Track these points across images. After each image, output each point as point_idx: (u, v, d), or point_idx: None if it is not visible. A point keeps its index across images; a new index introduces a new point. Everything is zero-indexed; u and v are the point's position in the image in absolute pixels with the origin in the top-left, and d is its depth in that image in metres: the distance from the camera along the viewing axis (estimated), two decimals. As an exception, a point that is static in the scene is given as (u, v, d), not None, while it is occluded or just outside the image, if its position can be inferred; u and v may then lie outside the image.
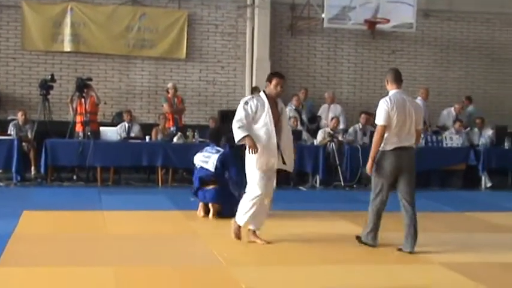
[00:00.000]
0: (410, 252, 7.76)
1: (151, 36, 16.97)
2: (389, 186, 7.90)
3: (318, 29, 17.47)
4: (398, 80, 7.89)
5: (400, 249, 7.85)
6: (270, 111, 8.00)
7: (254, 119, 8.00)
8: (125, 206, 11.19)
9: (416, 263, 7.52)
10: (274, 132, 7.96)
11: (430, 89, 18.10)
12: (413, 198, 7.91)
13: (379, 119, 7.64)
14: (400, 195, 7.91)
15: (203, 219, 10.09)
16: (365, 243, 8.11)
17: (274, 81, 8.09)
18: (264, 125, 7.99)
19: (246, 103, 8.02)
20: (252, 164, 8.07)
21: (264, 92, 8.19)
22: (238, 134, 7.94)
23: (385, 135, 7.63)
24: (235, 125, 7.95)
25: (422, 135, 15.29)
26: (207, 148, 10.39)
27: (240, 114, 7.98)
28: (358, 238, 8.25)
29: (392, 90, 7.83)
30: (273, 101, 8.12)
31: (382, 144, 7.69)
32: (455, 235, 9.47)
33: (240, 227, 8.35)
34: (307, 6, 16.97)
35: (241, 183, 9.55)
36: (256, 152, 7.90)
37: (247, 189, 8.27)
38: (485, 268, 7.10)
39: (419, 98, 16.47)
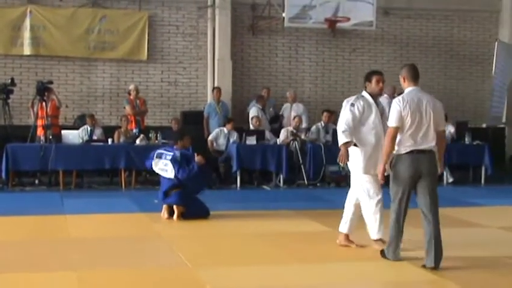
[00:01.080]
0: (435, 268, 6.92)
1: (112, 38, 16.86)
2: (409, 194, 7.08)
3: (278, 29, 17.51)
4: (414, 76, 7.11)
5: (423, 266, 7.01)
6: (378, 112, 7.84)
7: (361, 120, 7.77)
8: (88, 210, 11.12)
9: (379, 259, 7.56)
10: (383, 133, 7.59)
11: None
12: (436, 207, 7.04)
13: (390, 120, 6.96)
14: (420, 204, 7.07)
15: (167, 221, 10.05)
16: (385, 258, 7.33)
17: (374, 79, 7.88)
18: (373, 127, 7.79)
19: (352, 105, 7.76)
20: (359, 169, 7.83)
21: (365, 91, 7.94)
22: (341, 138, 7.69)
23: (398, 137, 6.92)
24: (340, 127, 7.69)
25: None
26: (163, 153, 10.26)
27: (346, 116, 7.70)
28: (382, 252, 7.44)
29: (408, 88, 7.07)
30: (376, 100, 7.96)
31: (396, 148, 6.98)
32: (417, 231, 9.52)
33: (348, 235, 8.12)
34: (267, 5, 17.01)
35: (203, 179, 9.74)
36: (345, 162, 7.75)
37: (352, 197, 7.99)
38: (449, 263, 7.16)
39: (385, 95, 16.55)
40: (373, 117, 7.80)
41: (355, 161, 7.83)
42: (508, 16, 18.69)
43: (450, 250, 7.22)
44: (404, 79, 7.12)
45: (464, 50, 18.89)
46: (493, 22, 19.03)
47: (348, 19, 16.32)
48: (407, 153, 6.93)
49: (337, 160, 7.86)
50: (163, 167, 10.06)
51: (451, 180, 15.20)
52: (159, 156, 10.17)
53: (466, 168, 16.09)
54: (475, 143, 15.80)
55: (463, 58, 18.91)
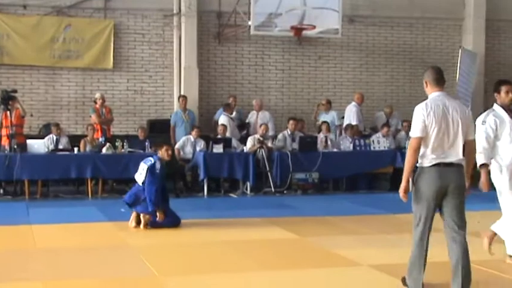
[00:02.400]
0: None
1: (77, 47, 16.75)
2: (432, 213, 6.16)
3: (244, 37, 17.54)
4: (439, 80, 6.29)
5: None
6: None
7: (497, 136, 7.39)
8: (54, 219, 11.02)
9: (346, 265, 7.61)
10: None
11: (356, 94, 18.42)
12: (465, 227, 6.17)
13: (412, 130, 6.12)
14: (446, 224, 6.19)
15: (135, 229, 10.02)
16: (405, 285, 6.46)
17: (504, 89, 7.50)
18: (510, 140, 7.40)
19: (484, 122, 7.37)
20: (505, 187, 7.44)
21: (496, 104, 7.54)
22: (479, 159, 7.20)
23: (422, 149, 6.09)
24: (478, 147, 7.02)
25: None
26: (148, 158, 10.30)
27: (479, 138, 7.23)
28: (403, 279, 6.57)
29: (433, 94, 6.27)
30: (508, 111, 7.51)
31: (419, 160, 6.15)
32: (384, 236, 9.63)
33: None
34: (233, 14, 17.03)
35: (154, 198, 9.81)
36: (488, 188, 7.23)
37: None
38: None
39: (353, 102, 16.73)
40: (508, 129, 7.38)
41: (499, 179, 7.48)
42: (471, 24, 18.91)
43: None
44: (426, 83, 6.38)
45: (429, 58, 19.06)
46: (456, 30, 19.24)
47: (314, 27, 16.40)
48: (432, 166, 6.08)
49: (479, 187, 7.12)
50: (141, 170, 10.05)
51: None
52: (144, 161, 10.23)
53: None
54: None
55: (428, 65, 18.97)
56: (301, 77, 18.30)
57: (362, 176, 15.60)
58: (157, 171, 9.88)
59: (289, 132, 15.48)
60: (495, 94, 7.61)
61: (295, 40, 17.76)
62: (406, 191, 6.13)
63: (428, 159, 6.07)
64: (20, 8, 16.56)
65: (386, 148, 15.63)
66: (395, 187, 16.20)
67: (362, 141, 15.71)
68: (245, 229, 10.04)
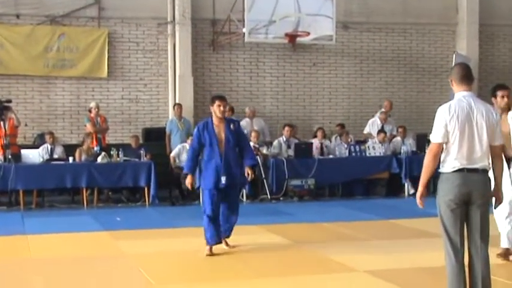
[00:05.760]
0: None
1: (72, 56, 16.74)
2: (457, 223, 5.68)
3: (239, 44, 17.55)
4: (465, 78, 5.80)
5: None
6: None
7: None
8: (50, 229, 10.99)
9: (342, 271, 7.61)
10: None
11: (351, 100, 18.45)
12: (488, 238, 5.74)
13: (433, 134, 5.73)
14: (468, 236, 5.75)
15: (130, 239, 9.99)
16: None
17: (499, 93, 7.81)
18: None
19: None
20: None
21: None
22: None
23: (444, 154, 5.71)
24: None
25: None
26: None
27: None
28: None
29: (458, 93, 5.80)
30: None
31: (441, 166, 5.74)
32: (380, 242, 9.62)
33: None
34: (227, 21, 17.04)
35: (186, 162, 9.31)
36: None
37: None
38: (410, 273, 7.22)
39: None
40: None
41: None
42: (465, 29, 18.95)
43: (414, 260, 7.26)
44: (452, 82, 5.88)
45: (423, 63, 19.10)
46: (450, 35, 19.28)
47: (308, 33, 16.42)
48: (455, 171, 5.65)
49: None
50: None
51: (412, 191, 15.29)
52: None
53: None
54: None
55: (422, 71, 19.12)
56: (296, 83, 18.30)
57: (358, 182, 15.59)
58: (194, 133, 9.11)
59: (284, 139, 15.48)
60: (492, 98, 7.75)
61: (289, 47, 17.77)
62: (423, 196, 5.81)
63: (450, 165, 5.66)
64: (13, 18, 16.54)
65: (381, 154, 15.63)
66: (391, 193, 16.40)
67: (357, 147, 15.72)
68: (241, 236, 9.99)
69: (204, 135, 8.80)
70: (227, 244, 9.00)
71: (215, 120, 8.85)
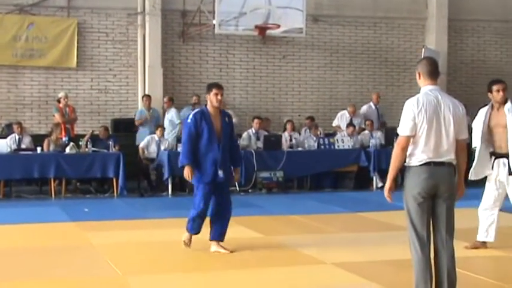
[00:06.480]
0: None
1: (41, 46, 16.59)
2: (424, 216, 5.69)
3: (209, 36, 17.52)
4: (432, 72, 5.83)
5: None
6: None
7: None
8: (17, 220, 10.93)
9: (309, 263, 7.65)
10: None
11: (320, 93, 18.51)
12: (452, 234, 5.77)
13: (401, 127, 5.73)
14: (434, 228, 5.76)
15: (98, 230, 9.95)
16: None
17: (495, 88, 8.05)
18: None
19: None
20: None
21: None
22: None
23: (411, 147, 5.70)
24: None
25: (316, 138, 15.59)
26: None
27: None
28: None
29: (425, 87, 5.81)
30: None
31: (407, 159, 5.74)
32: (348, 235, 9.69)
33: None
34: (198, 12, 17.00)
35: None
36: None
37: None
38: (377, 266, 7.28)
39: (371, 103, 17.02)
40: None
41: None
42: (434, 23, 19.07)
43: (381, 253, 7.30)
44: (419, 75, 5.89)
45: (392, 57, 19.21)
46: (419, 29, 19.40)
47: (278, 26, 16.43)
48: (422, 165, 5.67)
49: None
50: None
51: (380, 185, 15.38)
52: None
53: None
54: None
55: (391, 65, 19.23)
56: (266, 76, 18.32)
57: (326, 175, 15.67)
58: (189, 121, 8.29)
59: (253, 131, 15.51)
60: (488, 94, 8.06)
61: (259, 39, 17.77)
62: (391, 190, 5.78)
63: (417, 158, 5.67)
64: (-19, 7, 16.39)
65: (350, 147, 15.72)
66: (359, 186, 16.48)
67: (326, 140, 15.78)
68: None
69: (202, 125, 8.16)
70: (225, 249, 8.32)
71: (211, 110, 8.31)
